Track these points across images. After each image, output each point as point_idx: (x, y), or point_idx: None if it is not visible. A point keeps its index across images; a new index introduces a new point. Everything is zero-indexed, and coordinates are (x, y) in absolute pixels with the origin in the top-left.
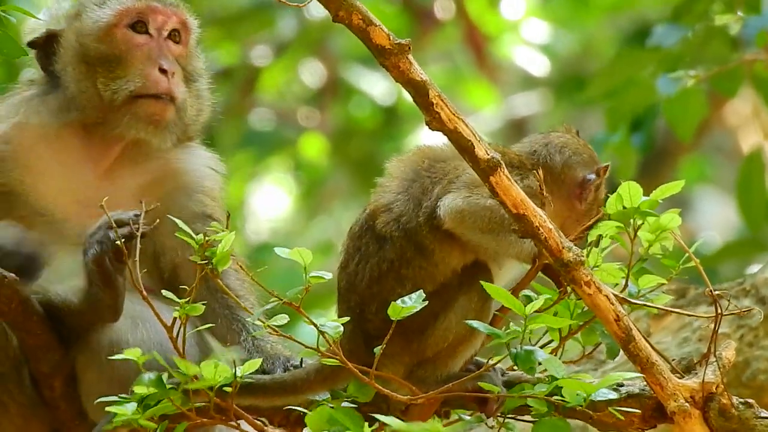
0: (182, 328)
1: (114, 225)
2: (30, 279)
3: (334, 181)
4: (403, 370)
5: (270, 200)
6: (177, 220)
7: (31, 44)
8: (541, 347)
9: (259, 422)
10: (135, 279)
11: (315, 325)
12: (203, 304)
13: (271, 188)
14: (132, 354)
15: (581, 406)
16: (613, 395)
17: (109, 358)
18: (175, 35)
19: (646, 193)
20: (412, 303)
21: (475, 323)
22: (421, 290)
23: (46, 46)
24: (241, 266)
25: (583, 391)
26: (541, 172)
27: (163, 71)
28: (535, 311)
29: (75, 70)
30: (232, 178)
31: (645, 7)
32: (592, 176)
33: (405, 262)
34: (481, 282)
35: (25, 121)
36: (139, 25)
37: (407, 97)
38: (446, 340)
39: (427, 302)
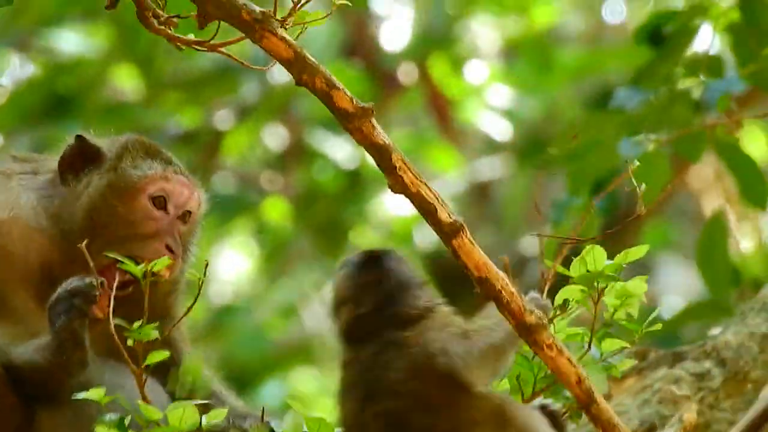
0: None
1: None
2: None
3: (297, 244)
4: None
5: (233, 263)
6: (116, 255)
7: (79, 138)
8: None
9: None
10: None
11: None
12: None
13: (234, 251)
14: (95, 394)
15: None
16: None
17: (74, 397)
18: (186, 215)
19: (610, 257)
20: None
21: None
22: None
23: (83, 152)
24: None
25: None
26: None
27: (169, 249)
28: None
29: (88, 208)
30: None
31: (608, 73)
32: None
33: None
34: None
35: (24, 217)
36: (159, 199)
37: (371, 160)
38: None
39: None
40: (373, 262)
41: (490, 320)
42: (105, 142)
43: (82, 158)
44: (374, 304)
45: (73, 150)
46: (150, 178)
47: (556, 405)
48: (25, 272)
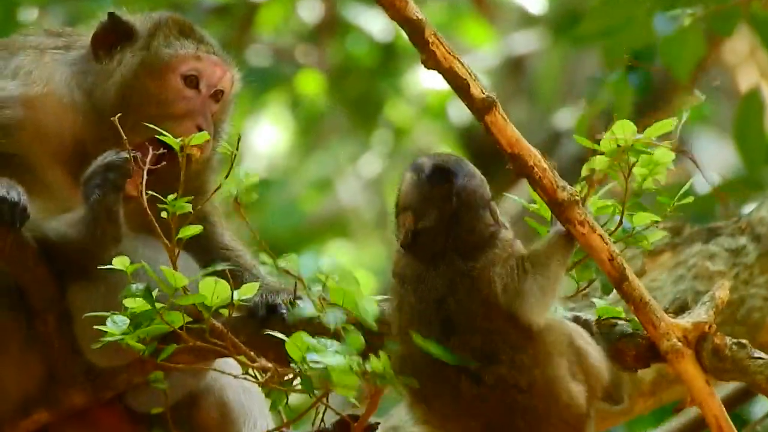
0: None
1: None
2: None
3: (331, 118)
4: None
5: (267, 136)
6: (150, 126)
7: (111, 15)
8: None
9: (251, 353)
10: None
11: None
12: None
13: (269, 125)
14: (121, 263)
15: None
16: None
17: (99, 267)
18: (219, 94)
19: (643, 132)
20: None
21: None
22: None
23: (116, 29)
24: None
25: None
26: None
27: (200, 129)
28: None
29: (120, 86)
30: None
31: None
32: None
33: None
34: None
35: (58, 92)
36: (191, 78)
37: (405, 34)
38: None
39: None
40: (444, 174)
41: (543, 241)
42: (138, 19)
43: (114, 35)
44: (438, 221)
45: (105, 26)
46: (182, 57)
47: (588, 315)
48: (58, 147)
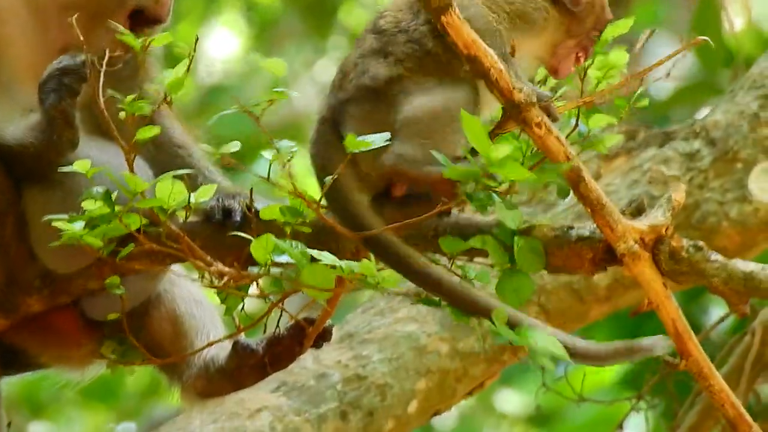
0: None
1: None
2: None
3: (286, 23)
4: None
5: (222, 42)
6: (114, 23)
7: None
8: None
9: (207, 257)
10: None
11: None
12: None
13: (223, 30)
14: (81, 166)
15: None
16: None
17: (59, 170)
18: None
19: None
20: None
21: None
22: (388, 133)
23: None
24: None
25: None
26: None
27: None
28: None
29: None
30: (184, 21)
31: None
32: None
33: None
34: (462, 110)
35: None
36: None
37: None
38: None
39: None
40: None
41: None
42: None
43: None
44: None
45: None
46: None
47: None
48: (20, 35)
